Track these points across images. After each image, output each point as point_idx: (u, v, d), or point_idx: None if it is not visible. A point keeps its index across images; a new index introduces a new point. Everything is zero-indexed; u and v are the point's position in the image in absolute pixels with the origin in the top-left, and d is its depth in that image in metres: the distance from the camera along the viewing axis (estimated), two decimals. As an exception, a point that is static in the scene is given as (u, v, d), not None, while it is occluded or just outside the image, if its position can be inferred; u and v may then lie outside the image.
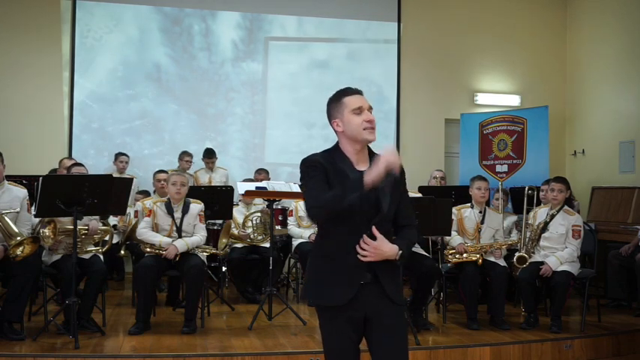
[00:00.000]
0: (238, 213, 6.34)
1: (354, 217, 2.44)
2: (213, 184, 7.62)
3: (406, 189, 2.67)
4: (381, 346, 2.51)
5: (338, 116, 2.54)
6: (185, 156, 7.92)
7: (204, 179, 7.94)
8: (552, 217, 5.32)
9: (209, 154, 8.01)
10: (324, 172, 2.47)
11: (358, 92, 2.56)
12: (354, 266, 2.45)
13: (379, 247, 2.41)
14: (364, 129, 2.50)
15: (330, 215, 2.43)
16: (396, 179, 2.51)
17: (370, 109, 2.54)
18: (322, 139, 8.08)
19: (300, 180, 2.56)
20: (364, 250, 2.42)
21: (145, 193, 6.97)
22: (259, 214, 6.23)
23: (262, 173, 7.37)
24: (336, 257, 2.49)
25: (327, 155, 2.54)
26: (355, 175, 2.43)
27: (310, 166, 2.50)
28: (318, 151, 2.59)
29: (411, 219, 2.64)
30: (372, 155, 2.58)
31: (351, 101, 2.52)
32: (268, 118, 8.77)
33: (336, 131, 2.59)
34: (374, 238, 2.43)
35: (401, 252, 2.47)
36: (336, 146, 2.60)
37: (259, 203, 6.46)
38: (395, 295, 2.51)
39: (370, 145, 2.64)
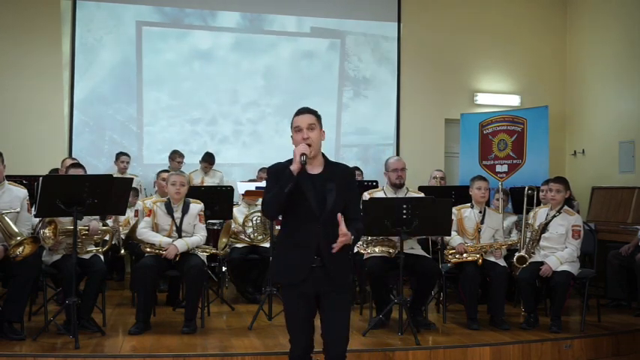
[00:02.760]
0: (239, 213, 6.34)
1: (305, 213, 3.00)
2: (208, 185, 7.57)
3: (356, 190, 3.26)
4: (327, 317, 3.09)
5: (292, 130, 3.09)
6: (177, 156, 7.81)
7: (197, 181, 7.84)
8: (552, 217, 5.32)
9: (209, 159, 7.98)
10: (277, 179, 3.01)
11: (302, 113, 3.06)
12: (306, 253, 3.00)
13: (343, 230, 2.93)
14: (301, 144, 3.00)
15: (277, 209, 3.05)
16: (344, 182, 3.08)
17: (310, 127, 3.01)
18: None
19: None
20: (344, 235, 2.93)
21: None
22: (259, 214, 6.23)
23: (266, 172, 7.33)
24: (292, 245, 3.07)
25: (288, 162, 3.04)
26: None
27: (268, 176, 3.14)
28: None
29: (358, 214, 3.24)
30: (327, 162, 3.12)
31: (294, 120, 3.07)
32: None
33: None
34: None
35: (353, 237, 3.03)
36: None
37: (260, 203, 6.46)
38: (338, 277, 3.05)
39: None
